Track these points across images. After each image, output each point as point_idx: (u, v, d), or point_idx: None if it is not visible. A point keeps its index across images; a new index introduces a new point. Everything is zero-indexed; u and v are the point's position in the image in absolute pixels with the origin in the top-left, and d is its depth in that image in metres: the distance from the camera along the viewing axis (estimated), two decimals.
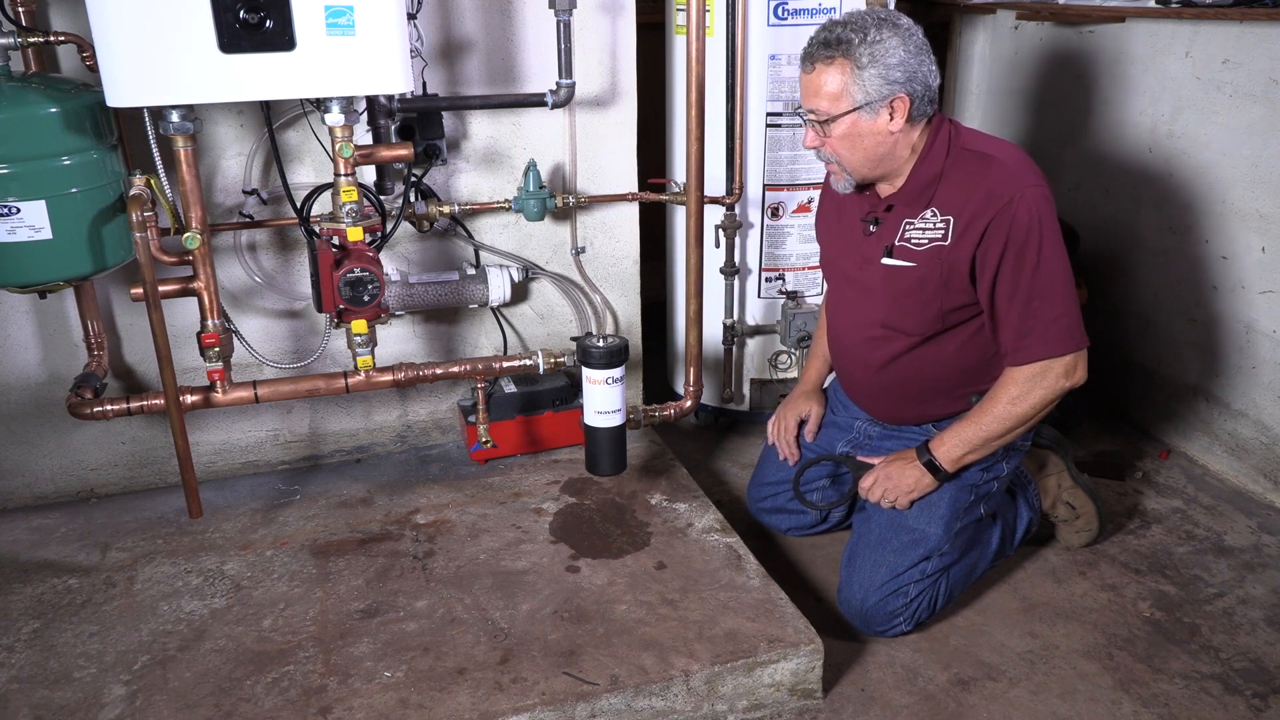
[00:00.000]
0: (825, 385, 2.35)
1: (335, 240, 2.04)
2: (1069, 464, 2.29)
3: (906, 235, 1.91)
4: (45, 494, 2.38)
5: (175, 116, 1.86)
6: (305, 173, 2.28)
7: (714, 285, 2.66)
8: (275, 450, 2.52)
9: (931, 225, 1.88)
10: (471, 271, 2.45)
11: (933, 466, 1.97)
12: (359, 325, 2.11)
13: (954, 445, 1.95)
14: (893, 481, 2.00)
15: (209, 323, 2.07)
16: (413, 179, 2.30)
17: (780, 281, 2.69)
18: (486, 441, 2.42)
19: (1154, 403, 2.88)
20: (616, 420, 2.17)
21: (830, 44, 1.79)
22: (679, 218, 2.67)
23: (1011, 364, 1.89)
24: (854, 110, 1.81)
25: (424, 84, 2.25)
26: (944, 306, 1.91)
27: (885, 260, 1.93)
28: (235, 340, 2.18)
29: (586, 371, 2.13)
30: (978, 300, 1.89)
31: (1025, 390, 1.88)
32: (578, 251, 2.54)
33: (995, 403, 1.91)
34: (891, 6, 2.43)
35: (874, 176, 1.91)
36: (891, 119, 1.82)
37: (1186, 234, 2.69)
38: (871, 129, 1.83)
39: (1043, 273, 1.82)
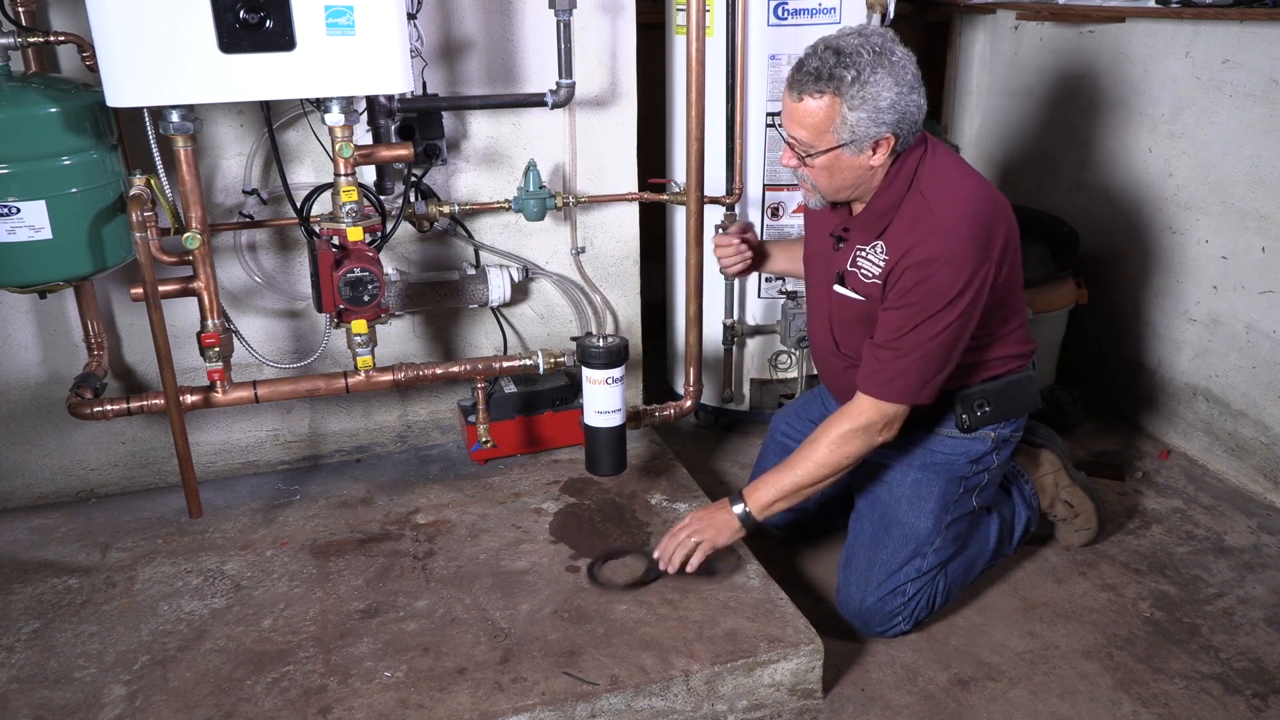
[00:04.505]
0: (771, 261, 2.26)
1: (335, 240, 2.04)
2: (1065, 462, 2.29)
3: (857, 263, 1.90)
4: (45, 494, 2.38)
5: (175, 116, 1.86)
6: (305, 173, 2.28)
7: (714, 285, 2.66)
8: (275, 450, 2.52)
9: (877, 261, 1.86)
10: (471, 271, 2.45)
11: (745, 514, 1.92)
12: (359, 325, 2.11)
13: (766, 492, 1.92)
14: (703, 523, 1.94)
15: (209, 323, 2.07)
16: (413, 179, 2.30)
17: (780, 281, 2.69)
18: (486, 441, 2.42)
19: (1154, 403, 2.88)
20: (616, 420, 2.17)
21: (822, 77, 1.71)
22: (679, 218, 2.66)
23: (857, 385, 1.88)
24: (838, 147, 1.77)
25: (424, 84, 2.25)
26: None
27: (836, 288, 1.94)
28: (235, 340, 2.18)
29: (586, 371, 2.13)
30: None
31: (853, 442, 1.86)
32: (577, 251, 2.54)
33: (816, 453, 1.88)
34: (891, 9, 2.42)
35: (847, 200, 1.90)
36: (874, 154, 1.79)
37: (1186, 234, 2.70)
38: (852, 164, 1.79)
39: (921, 335, 1.79)
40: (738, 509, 1.93)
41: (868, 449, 1.89)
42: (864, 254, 1.89)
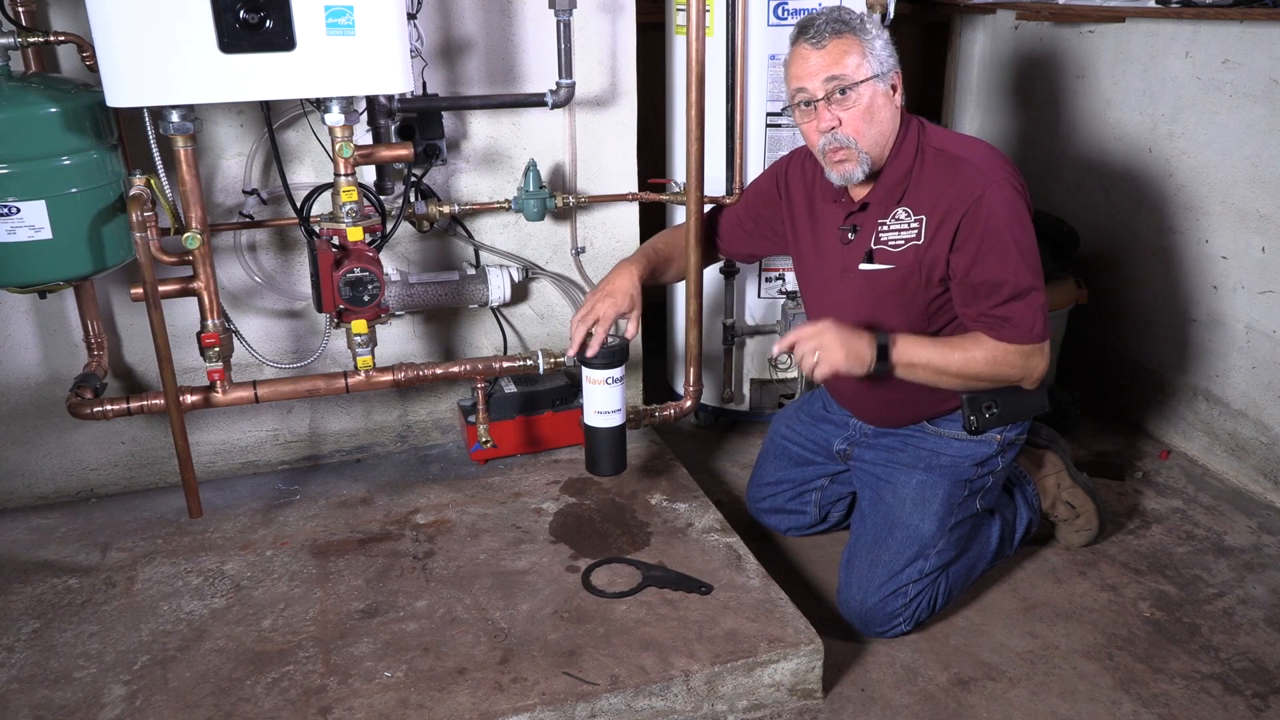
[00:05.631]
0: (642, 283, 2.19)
1: (335, 240, 2.04)
2: (1067, 463, 2.29)
3: (882, 238, 1.93)
4: (45, 494, 2.38)
5: (175, 116, 1.86)
6: (305, 173, 2.28)
7: (714, 285, 2.66)
8: (275, 450, 2.52)
9: (905, 225, 1.90)
10: (471, 271, 2.46)
11: (883, 353, 1.85)
12: (359, 325, 2.11)
13: (915, 357, 1.88)
14: (839, 341, 1.84)
15: (209, 323, 2.07)
16: (413, 179, 2.30)
17: (780, 281, 2.69)
18: (486, 441, 2.42)
19: (1154, 403, 2.88)
20: (616, 420, 2.16)
21: (836, 21, 1.84)
22: (679, 218, 2.66)
23: (1001, 339, 1.87)
24: (873, 78, 1.84)
25: (424, 84, 2.25)
26: (929, 307, 1.93)
27: (864, 266, 1.94)
28: (235, 340, 2.18)
29: (586, 371, 2.13)
30: None
31: (1013, 365, 1.89)
32: (578, 251, 2.54)
33: (978, 350, 1.87)
34: (891, 9, 2.43)
35: (878, 162, 1.90)
36: (895, 94, 1.88)
37: (1186, 234, 2.70)
38: (886, 101, 1.87)
39: (1026, 267, 1.84)
40: (880, 345, 1.85)
41: (1019, 379, 1.93)
42: (886, 226, 1.92)
